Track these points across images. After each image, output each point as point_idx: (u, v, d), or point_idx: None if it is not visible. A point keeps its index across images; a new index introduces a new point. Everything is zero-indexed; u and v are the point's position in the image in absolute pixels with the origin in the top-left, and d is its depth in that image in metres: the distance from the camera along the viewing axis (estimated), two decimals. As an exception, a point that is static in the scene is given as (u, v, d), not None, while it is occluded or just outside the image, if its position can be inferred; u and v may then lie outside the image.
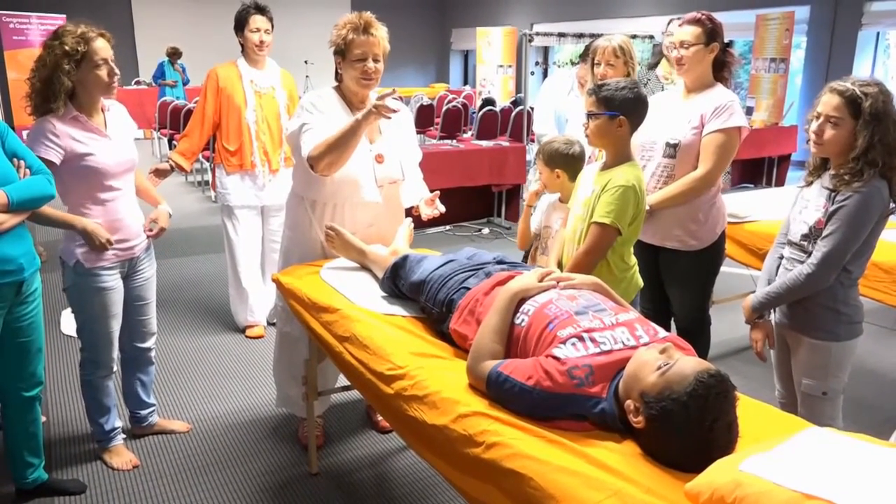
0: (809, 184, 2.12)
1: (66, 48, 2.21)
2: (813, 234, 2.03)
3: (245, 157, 3.64)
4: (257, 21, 3.53)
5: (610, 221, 2.14)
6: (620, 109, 2.14)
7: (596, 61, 2.97)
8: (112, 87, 2.32)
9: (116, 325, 2.52)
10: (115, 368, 2.58)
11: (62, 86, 2.23)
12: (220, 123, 3.64)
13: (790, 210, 2.21)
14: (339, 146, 2.26)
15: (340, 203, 2.50)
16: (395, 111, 2.21)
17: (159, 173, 3.46)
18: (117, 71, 2.31)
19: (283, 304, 2.50)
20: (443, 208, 2.59)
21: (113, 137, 2.39)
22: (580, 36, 7.74)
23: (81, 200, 2.35)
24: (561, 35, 8.17)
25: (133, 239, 2.48)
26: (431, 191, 2.67)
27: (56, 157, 2.26)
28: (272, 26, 3.60)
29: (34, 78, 2.25)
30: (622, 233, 2.17)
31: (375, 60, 2.39)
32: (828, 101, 1.95)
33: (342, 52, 2.39)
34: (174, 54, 10.74)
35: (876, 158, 1.90)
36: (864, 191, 1.92)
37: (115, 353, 2.56)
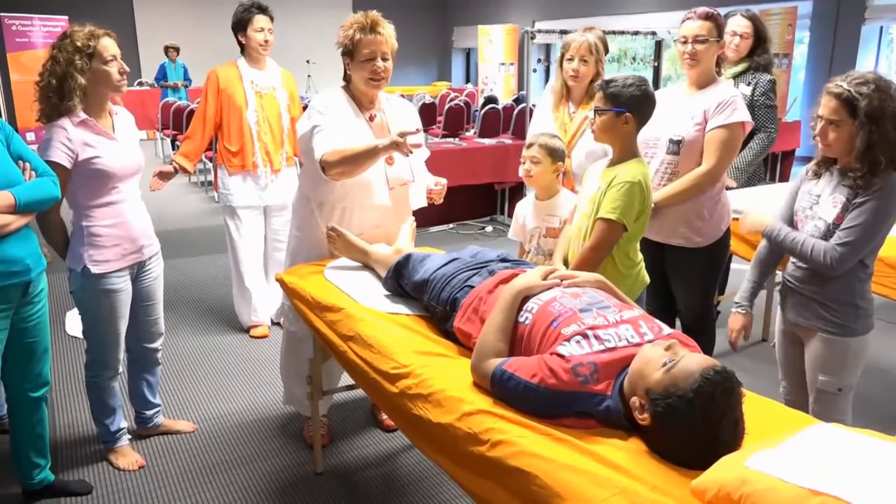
0: (817, 175, 2.11)
1: (78, 44, 2.24)
2: (832, 231, 2.00)
3: (247, 157, 3.64)
4: (261, 21, 3.53)
5: (616, 217, 2.14)
6: (627, 106, 2.14)
7: (568, 56, 2.92)
8: (122, 84, 2.34)
9: (124, 327, 2.52)
10: (120, 369, 2.59)
11: (76, 83, 2.25)
12: (221, 124, 3.64)
13: (789, 199, 2.19)
14: (355, 162, 2.28)
15: (350, 205, 2.50)
16: (412, 152, 2.24)
17: (163, 176, 3.47)
18: (126, 68, 2.34)
19: (290, 304, 2.50)
20: (443, 181, 2.65)
21: (120, 140, 2.41)
22: (582, 33, 7.73)
23: (88, 203, 2.36)
24: (563, 32, 8.15)
25: (140, 241, 2.48)
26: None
27: (67, 162, 2.27)
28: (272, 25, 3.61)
29: (48, 77, 2.26)
30: (628, 229, 2.17)
31: (384, 59, 2.38)
32: (826, 104, 1.94)
33: (350, 52, 2.39)
34: (171, 49, 10.72)
35: (878, 157, 1.89)
36: (885, 190, 1.91)
37: (121, 355, 2.57)
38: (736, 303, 2.27)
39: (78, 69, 2.24)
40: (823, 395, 2.11)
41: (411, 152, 2.23)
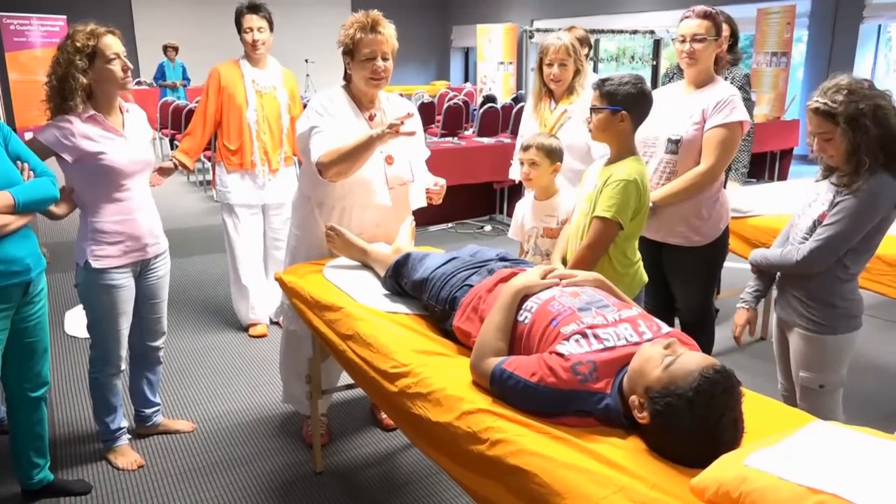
0: (825, 177, 2.12)
1: (78, 45, 2.25)
2: (816, 227, 2.03)
3: (245, 156, 3.65)
4: (250, 20, 3.52)
5: (611, 216, 2.14)
6: (623, 104, 2.14)
7: (548, 62, 2.92)
8: (126, 81, 2.35)
9: (126, 323, 2.53)
10: (123, 367, 2.59)
11: (77, 83, 2.26)
12: (221, 122, 3.64)
13: (802, 204, 2.22)
14: (351, 158, 2.27)
15: (349, 205, 2.50)
16: (410, 134, 2.23)
17: (163, 172, 3.47)
18: (130, 65, 2.35)
19: (289, 303, 2.50)
20: (443, 181, 2.65)
21: (129, 138, 2.42)
22: (581, 32, 7.72)
23: (95, 199, 2.37)
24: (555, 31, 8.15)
25: (144, 238, 2.49)
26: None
27: (69, 156, 2.29)
28: (270, 24, 3.59)
29: (51, 79, 2.29)
30: (624, 227, 2.17)
31: (384, 59, 2.38)
32: (810, 121, 1.99)
33: (351, 51, 2.38)
34: (169, 48, 10.72)
35: (863, 158, 1.91)
36: (864, 191, 1.92)
37: (124, 352, 2.57)
38: (741, 299, 2.29)
39: (79, 70, 2.25)
40: (807, 392, 2.13)
41: (404, 129, 2.21)
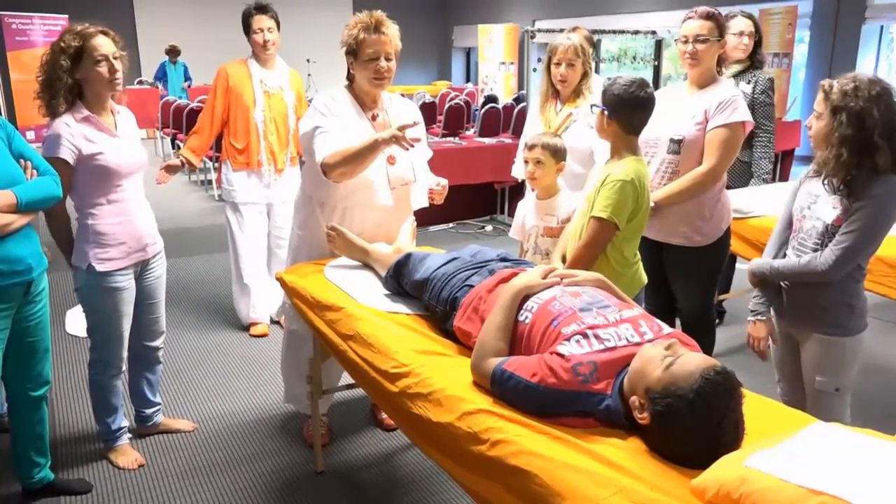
0: (818, 173, 2.11)
1: (63, 45, 2.26)
2: (830, 232, 2.01)
3: (252, 155, 3.66)
4: (259, 21, 3.54)
5: (607, 216, 2.15)
6: (608, 106, 2.18)
7: (556, 62, 2.92)
8: (114, 83, 2.34)
9: (127, 325, 2.53)
10: (123, 368, 2.59)
11: (61, 83, 2.26)
12: (228, 121, 3.66)
13: (789, 199, 2.20)
14: (356, 160, 2.27)
15: (351, 205, 2.50)
16: (413, 145, 2.23)
17: (170, 169, 3.51)
18: (118, 67, 2.33)
19: (290, 303, 2.50)
20: (445, 181, 2.65)
21: (123, 138, 2.42)
22: (582, 32, 7.71)
23: (91, 200, 2.37)
24: (563, 32, 8.14)
25: (144, 239, 2.49)
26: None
27: (71, 157, 2.28)
28: (277, 24, 3.61)
29: (38, 77, 2.30)
30: (620, 227, 2.17)
31: (388, 59, 2.38)
32: (817, 97, 2.02)
33: (354, 52, 2.38)
34: (172, 52, 10.76)
35: (832, 148, 1.94)
36: (882, 196, 1.92)
37: (125, 353, 2.58)
38: (754, 311, 2.24)
39: (63, 69, 2.25)
40: (822, 396, 2.11)
41: (412, 146, 2.23)
